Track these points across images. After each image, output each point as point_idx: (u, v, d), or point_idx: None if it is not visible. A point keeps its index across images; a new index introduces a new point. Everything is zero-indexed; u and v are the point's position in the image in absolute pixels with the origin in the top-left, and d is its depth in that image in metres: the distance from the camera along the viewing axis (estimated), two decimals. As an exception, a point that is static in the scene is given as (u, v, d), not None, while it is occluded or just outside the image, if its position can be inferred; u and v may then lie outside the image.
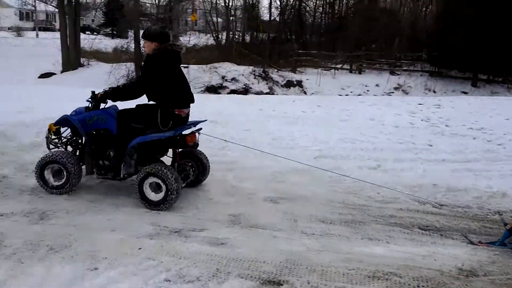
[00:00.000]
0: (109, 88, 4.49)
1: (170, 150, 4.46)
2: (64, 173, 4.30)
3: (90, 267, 3.02)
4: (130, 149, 4.10)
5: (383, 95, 19.88)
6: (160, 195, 4.06)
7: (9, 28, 50.34)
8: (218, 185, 4.91)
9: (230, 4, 28.74)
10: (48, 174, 4.35)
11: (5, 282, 2.79)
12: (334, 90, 21.01)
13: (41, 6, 55.41)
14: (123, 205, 4.23)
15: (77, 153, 4.55)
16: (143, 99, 4.30)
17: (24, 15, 60.15)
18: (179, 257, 3.23)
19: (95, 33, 42.73)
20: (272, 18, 31.49)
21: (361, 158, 6.14)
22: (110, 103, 4.49)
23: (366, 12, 28.52)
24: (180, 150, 4.47)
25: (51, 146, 4.53)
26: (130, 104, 4.38)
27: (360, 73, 24.47)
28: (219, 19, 30.13)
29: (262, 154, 6.19)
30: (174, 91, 4.13)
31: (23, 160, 5.48)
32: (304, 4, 32.29)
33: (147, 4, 26.45)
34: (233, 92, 18.65)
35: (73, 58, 20.94)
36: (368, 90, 21.56)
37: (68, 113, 4.47)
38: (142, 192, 4.11)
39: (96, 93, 4.38)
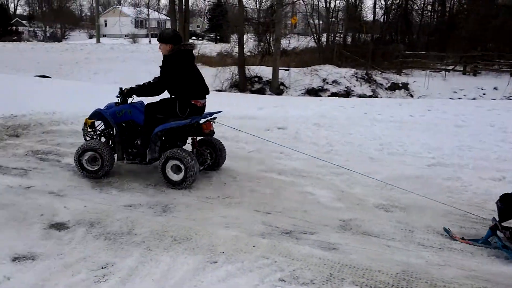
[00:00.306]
0: (136, 85, 4.93)
1: (190, 138, 4.98)
2: (99, 160, 4.81)
3: (209, 260, 3.19)
4: (154, 136, 4.66)
5: (502, 99, 18.01)
6: (181, 176, 4.59)
7: (126, 35, 55.59)
8: (326, 189, 4.87)
9: (332, 5, 28.40)
10: (85, 161, 4.86)
11: (137, 267, 3.07)
12: (444, 93, 19.60)
13: (153, 15, 60.48)
14: (235, 204, 4.42)
15: (110, 143, 5.09)
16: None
17: (139, 23, 66.08)
18: (291, 258, 3.26)
19: (200, 38, 45.30)
20: (376, 18, 30.47)
21: (483, 168, 5.62)
22: (136, 98, 5.03)
23: (481, 8, 26.12)
24: (198, 138, 5.03)
25: (87, 138, 5.08)
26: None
27: (475, 75, 22.51)
28: (320, 21, 29.93)
29: (371, 159, 6.00)
30: (190, 84, 4.70)
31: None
32: (411, 3, 30.67)
33: (249, 9, 27.32)
34: (334, 95, 18.41)
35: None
36: (484, 94, 19.73)
37: (102, 108, 5.01)
38: (165, 174, 4.67)
39: (123, 89, 4.89)
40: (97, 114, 5.01)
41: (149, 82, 4.94)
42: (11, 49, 32.25)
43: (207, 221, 3.96)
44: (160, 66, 4.75)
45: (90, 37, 63.30)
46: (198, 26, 62.74)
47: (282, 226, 3.92)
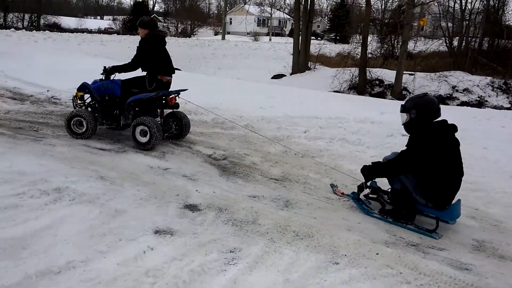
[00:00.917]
0: (114, 65, 5.93)
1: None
2: (84, 123, 5.80)
3: (331, 261, 3.18)
4: (127, 106, 5.69)
5: None
6: (146, 138, 5.57)
7: (248, 33, 57.95)
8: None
9: (468, 6, 26.01)
10: (72, 125, 5.87)
11: (262, 256, 3.20)
12: None
13: (276, 14, 61.89)
14: (356, 208, 4.33)
15: (94, 112, 6.02)
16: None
17: (261, 22, 68.28)
18: (419, 272, 3.09)
19: (319, 38, 45.24)
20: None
21: None
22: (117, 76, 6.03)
23: None
24: (167, 111, 6.18)
25: (77, 107, 6.12)
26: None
27: None
28: (452, 24, 27.64)
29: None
30: (158, 62, 5.71)
31: (266, 151, 6.22)
32: None
33: (374, 9, 26.37)
34: (464, 104, 16.90)
35: (302, 61, 22.62)
36: None
37: (89, 82, 5.99)
38: (134, 137, 5.64)
39: (107, 67, 5.92)
40: (84, 88, 5.99)
41: (126, 63, 5.85)
42: (149, 43, 35.80)
43: (329, 221, 3.95)
44: (137, 47, 5.69)
45: (216, 33, 67.44)
46: (318, 26, 62.74)
47: (407, 237, 3.74)
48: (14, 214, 3.45)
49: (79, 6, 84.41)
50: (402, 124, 3.99)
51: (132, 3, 68.35)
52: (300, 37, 22.37)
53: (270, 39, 57.44)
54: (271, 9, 60.37)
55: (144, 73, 5.76)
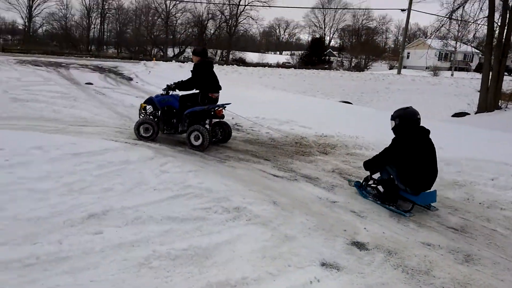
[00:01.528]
0: (175, 83, 7.11)
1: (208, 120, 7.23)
2: (151, 129, 7.10)
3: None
4: (184, 116, 6.98)
5: None
6: (199, 142, 6.79)
7: (426, 68, 54.66)
8: None
9: None
10: (141, 130, 7.12)
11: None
12: None
13: (461, 47, 56.96)
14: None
15: (156, 120, 7.29)
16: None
17: (443, 56, 63.74)
18: None
19: (512, 74, 39.75)
20: None
21: None
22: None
23: None
24: (214, 120, 7.33)
25: (141, 116, 7.33)
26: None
27: None
28: None
29: None
30: (208, 83, 6.98)
31: (444, 196, 5.66)
32: None
33: None
34: None
35: (490, 99, 20.17)
36: None
37: (154, 96, 7.44)
38: (189, 140, 6.86)
39: (168, 85, 7.16)
40: (149, 100, 7.35)
41: (182, 80, 7.01)
42: (323, 76, 37.12)
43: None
44: (191, 71, 6.97)
45: (390, 68, 65.69)
46: (512, 61, 55.36)
47: None
48: (201, 226, 3.92)
49: (262, 43, 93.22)
50: (391, 129, 4.94)
51: (309, 39, 72.24)
52: (490, 73, 20.08)
53: (452, 74, 53.15)
54: (456, 43, 55.98)
55: (197, 91, 7.05)
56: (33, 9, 51.47)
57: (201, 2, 53.70)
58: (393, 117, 4.90)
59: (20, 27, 56.49)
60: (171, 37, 56.32)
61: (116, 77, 16.39)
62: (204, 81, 6.92)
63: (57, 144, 6.21)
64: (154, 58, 28.06)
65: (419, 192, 4.77)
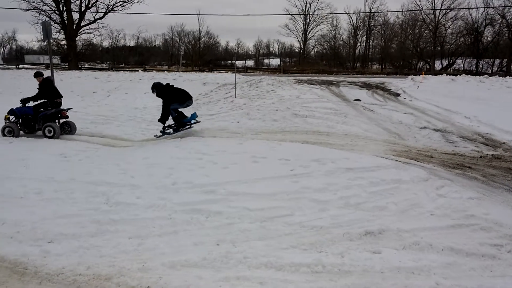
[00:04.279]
0: (21, 99, 9.56)
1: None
2: (11, 131, 9.27)
3: None
4: (39, 118, 9.28)
5: None
6: (51, 134, 9.06)
7: None
8: None
9: None
10: (6, 131, 9.19)
11: None
12: None
13: None
14: None
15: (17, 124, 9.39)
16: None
17: None
18: None
19: None
20: None
21: None
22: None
23: None
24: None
25: (6, 123, 9.37)
26: None
27: None
28: None
29: None
30: (52, 93, 9.35)
31: None
32: None
33: None
34: None
35: None
36: None
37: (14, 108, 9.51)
38: (44, 133, 9.10)
39: (21, 99, 9.53)
40: (11, 111, 9.26)
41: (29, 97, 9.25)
42: None
43: None
44: (38, 88, 9.32)
45: None
46: None
47: None
48: (491, 265, 3.39)
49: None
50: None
51: None
52: None
53: None
54: None
55: (45, 100, 9.28)
56: (307, 33, 58.17)
57: (477, 8, 48.45)
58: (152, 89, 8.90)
59: (296, 50, 64.78)
60: (439, 48, 53.04)
61: (383, 93, 16.55)
62: (50, 93, 9.27)
63: (332, 158, 6.68)
64: (423, 73, 26.97)
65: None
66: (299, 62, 57.11)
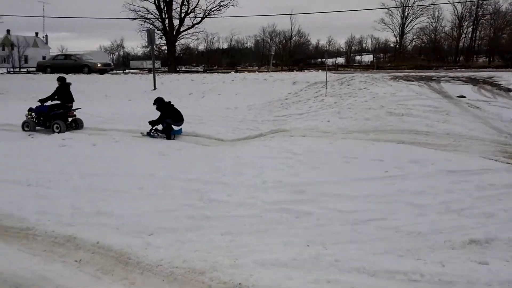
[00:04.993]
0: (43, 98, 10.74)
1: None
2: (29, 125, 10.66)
3: None
4: (50, 116, 10.56)
5: None
6: (58, 130, 10.34)
7: None
8: None
9: None
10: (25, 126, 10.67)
11: None
12: None
13: None
14: None
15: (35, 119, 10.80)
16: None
17: None
18: None
19: None
20: None
21: None
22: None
23: None
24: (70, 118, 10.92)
25: (27, 118, 10.92)
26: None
27: None
28: None
29: None
30: (66, 97, 10.70)
31: None
32: None
33: None
34: None
35: None
36: None
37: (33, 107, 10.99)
38: (52, 129, 10.38)
39: (39, 99, 10.90)
40: (31, 109, 10.78)
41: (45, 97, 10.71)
42: None
43: None
44: (55, 90, 10.79)
45: None
46: None
47: None
48: None
49: None
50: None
51: None
52: None
53: None
54: None
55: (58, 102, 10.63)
56: (405, 26, 55.15)
57: None
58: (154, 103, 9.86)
59: (391, 44, 61.80)
60: None
61: (491, 88, 15.02)
62: (63, 96, 10.65)
63: (432, 159, 6.23)
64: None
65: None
66: (394, 58, 54.47)
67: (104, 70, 25.19)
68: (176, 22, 37.18)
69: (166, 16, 36.17)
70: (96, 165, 6.67)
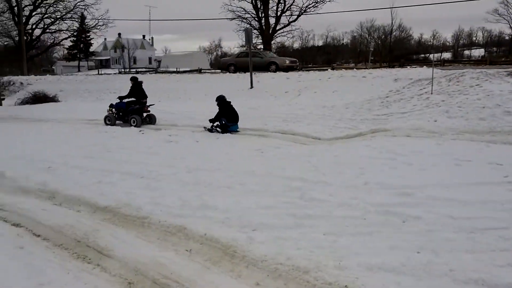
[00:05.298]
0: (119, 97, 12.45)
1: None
2: (111, 119, 12.33)
3: None
4: (128, 111, 12.11)
5: None
6: (135, 124, 11.83)
7: None
8: None
9: None
10: (107, 120, 12.32)
11: None
12: None
13: None
14: None
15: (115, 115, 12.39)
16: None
17: None
18: None
19: None
20: None
21: None
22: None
23: None
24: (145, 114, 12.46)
25: (108, 113, 12.58)
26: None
27: None
28: None
29: None
30: (140, 95, 12.19)
31: None
32: None
33: None
34: None
35: None
36: None
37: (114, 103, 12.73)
38: (130, 123, 11.91)
39: (119, 96, 12.56)
40: (111, 105, 12.38)
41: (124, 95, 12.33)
42: None
43: None
44: (130, 89, 12.33)
45: None
46: None
47: None
48: None
49: None
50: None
51: None
52: None
53: None
54: None
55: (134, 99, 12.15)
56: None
57: None
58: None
59: (507, 37, 55.69)
60: None
61: None
62: (137, 94, 12.03)
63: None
64: None
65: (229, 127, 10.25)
66: (510, 52, 49.16)
67: (291, 67, 22.85)
68: (272, 20, 37.71)
69: (263, 15, 36.87)
70: (199, 161, 7.03)
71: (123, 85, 22.60)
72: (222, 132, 10.14)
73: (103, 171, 6.48)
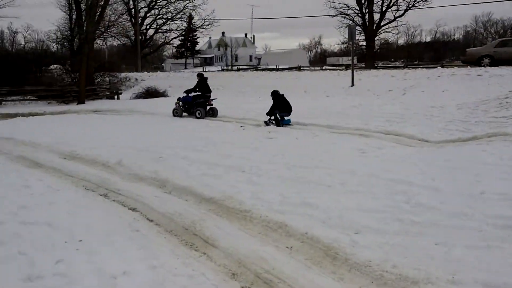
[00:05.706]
0: (185, 91, 13.89)
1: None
2: (178, 112, 13.68)
3: None
4: (194, 104, 13.39)
5: None
6: (200, 116, 13.09)
7: None
8: None
9: None
10: (174, 112, 13.72)
11: None
12: None
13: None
14: None
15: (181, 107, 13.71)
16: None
17: None
18: None
19: None
20: None
21: None
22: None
23: None
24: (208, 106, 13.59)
25: (176, 105, 13.89)
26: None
27: None
28: None
29: None
30: (205, 88, 13.63)
31: None
32: None
33: None
34: None
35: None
36: None
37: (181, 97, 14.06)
38: (195, 114, 13.19)
39: (185, 91, 13.87)
40: (179, 99, 13.64)
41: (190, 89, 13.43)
42: None
43: None
44: (197, 82, 13.53)
45: None
46: None
47: None
48: None
49: None
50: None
51: None
52: None
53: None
54: None
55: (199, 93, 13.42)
56: None
57: None
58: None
59: None
60: None
61: None
62: (202, 88, 13.38)
63: None
64: None
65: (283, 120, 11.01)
66: None
67: None
68: (376, 16, 36.28)
69: (367, 10, 35.65)
70: (299, 158, 7.02)
71: (226, 81, 23.59)
72: (276, 125, 10.84)
73: (208, 163, 6.80)
